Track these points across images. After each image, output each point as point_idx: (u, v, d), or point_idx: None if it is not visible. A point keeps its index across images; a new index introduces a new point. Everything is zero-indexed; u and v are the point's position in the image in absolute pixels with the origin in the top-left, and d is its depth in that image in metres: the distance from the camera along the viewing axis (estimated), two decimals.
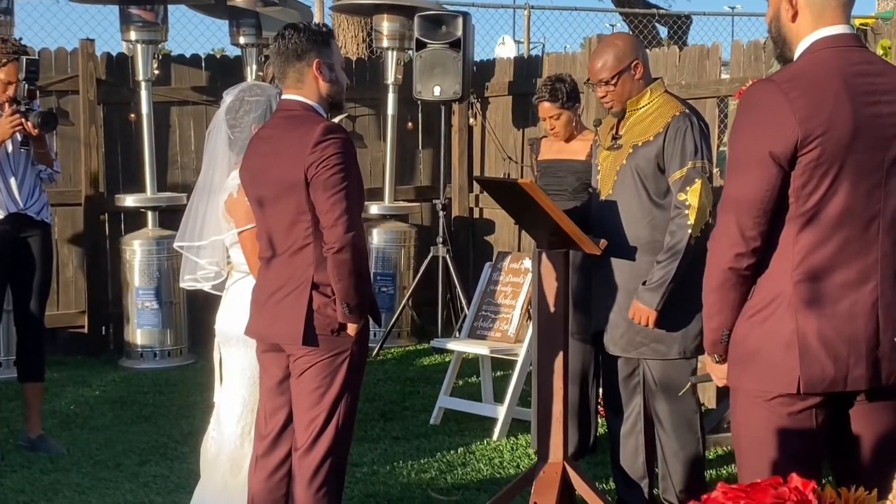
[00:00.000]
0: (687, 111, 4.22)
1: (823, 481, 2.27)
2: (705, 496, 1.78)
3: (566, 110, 5.67)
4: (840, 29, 2.74)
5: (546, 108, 5.70)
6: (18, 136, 5.51)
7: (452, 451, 5.63)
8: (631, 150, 4.24)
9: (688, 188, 4.10)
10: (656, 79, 4.35)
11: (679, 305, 4.11)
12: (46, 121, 5.56)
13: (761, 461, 2.77)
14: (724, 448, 5.44)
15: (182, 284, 4.36)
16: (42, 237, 5.66)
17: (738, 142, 2.76)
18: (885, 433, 2.81)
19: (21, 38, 5.95)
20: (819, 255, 2.69)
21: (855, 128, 2.65)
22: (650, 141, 4.20)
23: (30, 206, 5.58)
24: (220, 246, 4.15)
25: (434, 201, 8.55)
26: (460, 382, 6.72)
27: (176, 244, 4.31)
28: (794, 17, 2.76)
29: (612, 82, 4.24)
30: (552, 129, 5.74)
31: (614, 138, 4.33)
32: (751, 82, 5.17)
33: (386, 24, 8.39)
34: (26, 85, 5.49)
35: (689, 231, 4.07)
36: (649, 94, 4.27)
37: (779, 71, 2.84)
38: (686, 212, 4.08)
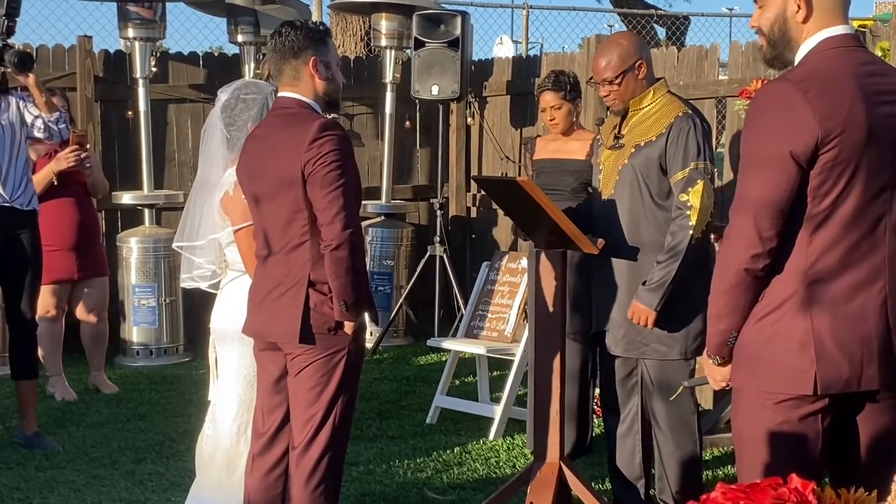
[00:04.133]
0: (690, 112, 4.21)
1: (824, 482, 2.27)
2: (704, 496, 1.77)
3: (567, 102, 5.66)
4: (843, 29, 2.74)
5: (548, 98, 5.70)
6: None
7: (449, 451, 5.62)
8: (633, 150, 4.23)
9: (690, 189, 4.09)
10: (659, 79, 4.35)
11: (680, 306, 4.10)
12: (23, 60, 5.45)
13: (764, 463, 2.76)
14: (721, 449, 5.43)
15: (182, 284, 4.36)
16: (31, 232, 5.60)
17: (756, 142, 2.72)
18: (884, 434, 2.81)
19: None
20: (831, 256, 2.68)
21: (870, 127, 2.64)
22: (652, 141, 4.19)
23: (16, 198, 5.50)
24: (216, 245, 4.15)
25: (431, 200, 8.54)
26: (457, 382, 6.72)
27: (175, 244, 4.30)
28: (806, 18, 2.74)
29: (616, 81, 4.23)
30: (552, 121, 5.73)
31: (616, 138, 4.32)
32: (756, 83, 5.17)
33: (384, 23, 8.39)
34: (6, 20, 5.35)
35: (691, 232, 4.06)
36: (652, 94, 4.27)
37: (790, 70, 2.80)
38: (688, 213, 4.07)
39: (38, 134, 5.68)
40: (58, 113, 5.71)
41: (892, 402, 2.79)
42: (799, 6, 2.74)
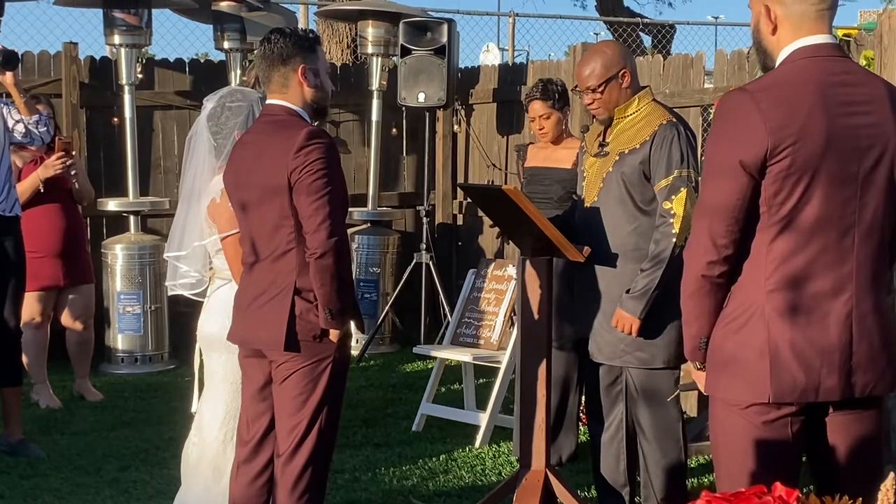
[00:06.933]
0: (674, 120, 4.22)
1: (805, 490, 2.28)
2: None
3: (556, 111, 5.68)
4: (820, 39, 2.75)
5: (537, 107, 5.71)
6: None
7: (434, 458, 5.62)
8: (617, 158, 4.24)
9: (673, 197, 4.10)
10: (644, 87, 4.36)
11: (663, 314, 4.11)
12: (7, 58, 5.42)
13: (737, 469, 2.78)
14: (706, 457, 5.44)
15: (169, 292, 4.35)
16: (15, 239, 5.56)
17: (711, 150, 2.78)
18: (861, 443, 2.82)
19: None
20: (793, 264, 2.69)
21: (828, 138, 2.65)
22: (637, 149, 4.20)
23: None
24: (201, 251, 4.14)
25: (418, 208, 8.55)
26: (443, 389, 6.72)
27: (165, 255, 4.29)
28: (774, 30, 2.77)
29: (599, 90, 4.24)
30: (541, 130, 5.74)
31: (601, 145, 4.33)
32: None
33: (371, 31, 8.40)
34: None
35: (674, 240, 4.07)
36: (637, 103, 4.28)
37: (754, 80, 2.85)
38: (671, 220, 4.09)
39: (19, 138, 5.66)
40: (37, 115, 5.69)
41: (865, 413, 2.81)
42: (767, 19, 2.77)
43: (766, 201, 2.68)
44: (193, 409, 4.33)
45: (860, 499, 1.89)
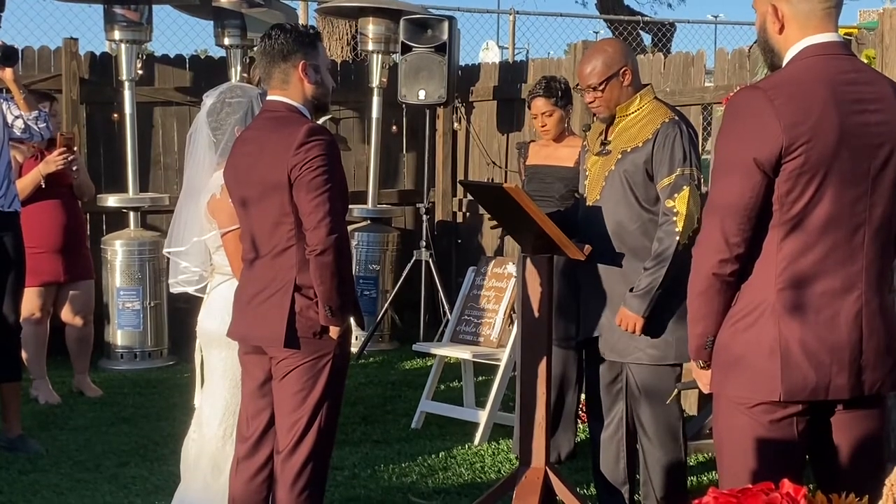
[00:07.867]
0: (676, 118, 4.22)
1: (809, 488, 2.27)
2: (697, 501, 1.78)
3: (559, 108, 5.67)
4: (828, 37, 2.75)
5: (539, 104, 5.69)
6: None
7: (434, 456, 5.62)
8: (620, 156, 4.23)
9: (676, 195, 4.10)
10: (646, 85, 4.35)
11: (671, 311, 4.10)
12: (6, 54, 5.41)
13: (742, 468, 2.78)
14: (706, 455, 5.45)
15: (172, 289, 4.34)
16: (14, 234, 5.54)
17: (724, 147, 2.76)
18: (866, 441, 2.82)
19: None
20: (804, 263, 2.69)
21: (841, 135, 2.64)
22: (639, 147, 4.20)
23: None
24: (202, 247, 4.13)
25: (417, 205, 8.55)
26: (442, 386, 6.71)
27: (164, 251, 4.29)
28: (781, 29, 2.77)
29: (601, 88, 4.24)
30: (543, 127, 5.72)
31: (603, 144, 4.32)
32: (737, 89, 5.19)
33: (371, 27, 8.39)
34: None
35: (677, 238, 4.06)
36: (639, 101, 4.27)
37: (766, 77, 2.84)
38: (674, 218, 4.08)
39: (18, 133, 5.66)
40: (37, 111, 5.69)
41: (870, 411, 2.81)
42: (774, 18, 2.76)
43: (779, 199, 2.67)
44: (196, 403, 4.32)
45: (867, 496, 1.89)
